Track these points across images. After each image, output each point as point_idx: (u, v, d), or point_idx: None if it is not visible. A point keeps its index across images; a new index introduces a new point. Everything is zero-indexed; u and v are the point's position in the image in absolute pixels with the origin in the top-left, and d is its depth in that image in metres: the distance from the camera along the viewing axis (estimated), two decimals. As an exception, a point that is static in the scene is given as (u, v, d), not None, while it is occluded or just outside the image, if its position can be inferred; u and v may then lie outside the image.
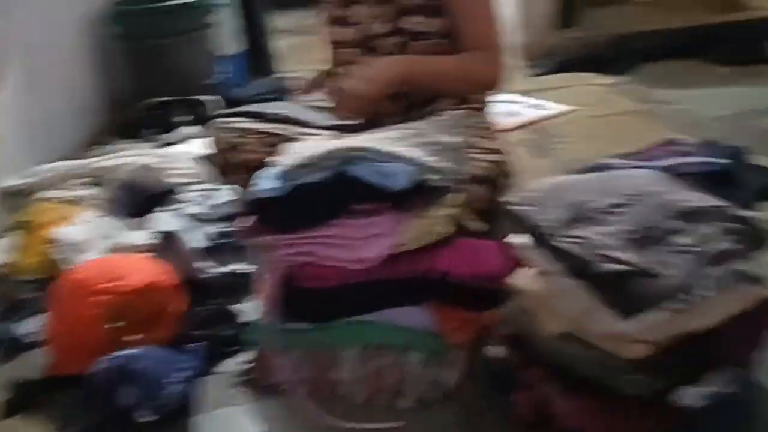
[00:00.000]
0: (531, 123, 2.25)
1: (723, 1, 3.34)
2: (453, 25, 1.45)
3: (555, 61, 2.84)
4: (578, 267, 0.86)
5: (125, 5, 2.59)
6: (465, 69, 1.43)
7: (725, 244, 0.89)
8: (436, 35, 1.46)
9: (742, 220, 0.93)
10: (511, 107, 2.41)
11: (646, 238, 0.89)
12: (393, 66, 1.40)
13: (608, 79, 2.60)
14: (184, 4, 2.51)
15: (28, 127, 1.94)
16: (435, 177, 1.05)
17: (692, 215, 0.92)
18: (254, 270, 1.32)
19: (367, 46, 1.48)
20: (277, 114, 1.50)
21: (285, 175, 1.07)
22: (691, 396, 0.89)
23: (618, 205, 0.94)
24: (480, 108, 1.60)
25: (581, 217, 0.93)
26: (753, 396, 0.96)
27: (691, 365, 0.88)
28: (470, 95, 1.51)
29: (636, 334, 0.84)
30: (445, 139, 1.14)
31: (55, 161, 2.02)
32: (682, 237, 0.89)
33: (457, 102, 1.54)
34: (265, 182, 1.09)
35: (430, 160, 1.06)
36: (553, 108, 2.36)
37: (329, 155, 1.06)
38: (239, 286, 1.38)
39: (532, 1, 2.91)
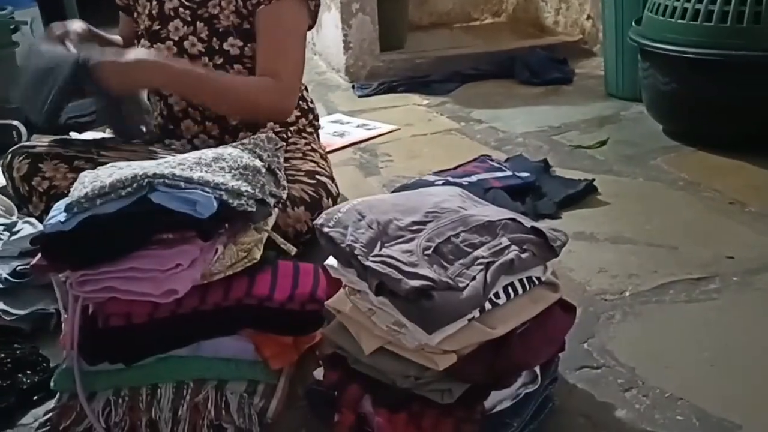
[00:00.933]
0: (358, 142, 2.31)
1: (530, 27, 3.66)
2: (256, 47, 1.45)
3: (378, 82, 2.94)
4: (383, 285, 0.89)
5: None
6: (245, 93, 1.40)
7: (518, 254, 0.96)
8: (251, 60, 1.46)
9: (534, 230, 1.01)
10: (338, 127, 2.47)
11: (445, 253, 0.94)
12: (155, 65, 1.33)
13: (429, 100, 2.74)
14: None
15: None
16: (241, 202, 1.03)
17: (487, 228, 0.98)
18: (57, 310, 1.23)
19: None
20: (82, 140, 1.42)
21: (77, 206, 0.99)
22: (496, 398, 0.95)
23: (419, 223, 0.98)
24: (302, 130, 1.61)
25: (386, 235, 0.96)
26: (552, 391, 1.05)
27: (495, 369, 0.93)
28: (252, 120, 1.51)
29: (441, 345, 0.88)
30: (253, 162, 1.12)
31: None
32: (479, 250, 0.95)
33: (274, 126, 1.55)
34: (59, 214, 1.02)
35: (237, 184, 1.04)
36: (378, 127, 2.44)
37: (128, 181, 1.00)
38: (47, 327, 1.27)
39: (357, 24, 3.00)
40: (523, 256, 0.96)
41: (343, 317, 1.01)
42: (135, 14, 1.55)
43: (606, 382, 1.11)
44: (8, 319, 1.24)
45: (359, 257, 0.92)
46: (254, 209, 1.06)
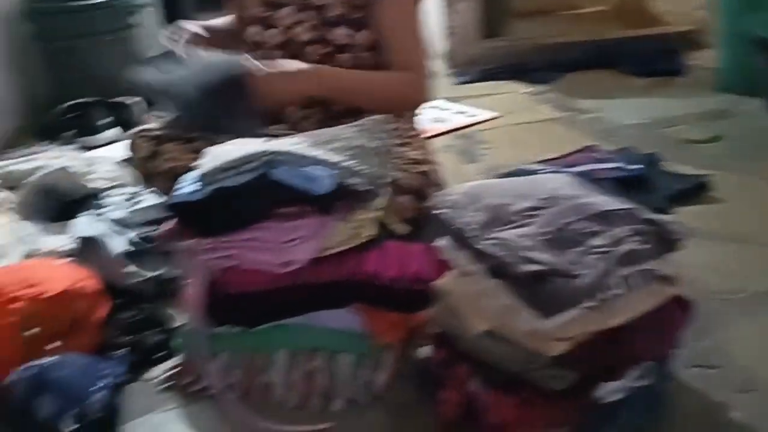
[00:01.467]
0: (457, 129, 2.31)
1: (639, 16, 3.52)
2: (379, 42, 1.47)
3: (480, 69, 2.92)
4: (498, 268, 0.90)
5: (40, 3, 2.50)
6: (389, 90, 1.44)
7: (636, 245, 0.94)
8: (360, 48, 1.47)
9: (652, 222, 0.98)
10: (437, 113, 2.47)
11: (560, 240, 0.93)
12: (313, 74, 1.39)
13: (531, 88, 2.70)
14: (101, 3, 2.44)
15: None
16: (357, 180, 1.06)
17: (604, 218, 0.97)
18: (179, 275, 1.30)
19: (291, 50, 1.48)
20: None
21: (205, 179, 1.06)
22: (607, 389, 0.94)
23: (534, 208, 0.98)
24: (409, 117, 1.62)
25: (500, 219, 0.97)
26: (665, 388, 1.03)
27: (607, 360, 0.92)
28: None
29: (554, 331, 0.88)
30: (366, 143, 1.15)
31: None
32: (595, 238, 0.94)
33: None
34: (186, 186, 1.08)
35: (352, 163, 1.07)
36: (478, 115, 2.42)
37: (250, 158, 1.05)
38: (164, 292, 1.35)
39: (458, 11, 2.98)
40: (641, 247, 0.95)
41: (452, 298, 1.03)
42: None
43: (721, 382, 1.07)
44: (134, 281, 1.32)
45: (473, 239, 0.93)
46: (368, 188, 1.08)
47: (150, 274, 1.34)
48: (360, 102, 1.44)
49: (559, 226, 0.93)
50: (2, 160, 1.93)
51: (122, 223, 1.43)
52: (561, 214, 0.96)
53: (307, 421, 1.04)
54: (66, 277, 1.16)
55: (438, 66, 3.08)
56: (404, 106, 1.49)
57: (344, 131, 1.21)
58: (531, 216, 0.96)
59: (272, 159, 1.04)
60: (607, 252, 0.91)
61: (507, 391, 0.93)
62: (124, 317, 1.24)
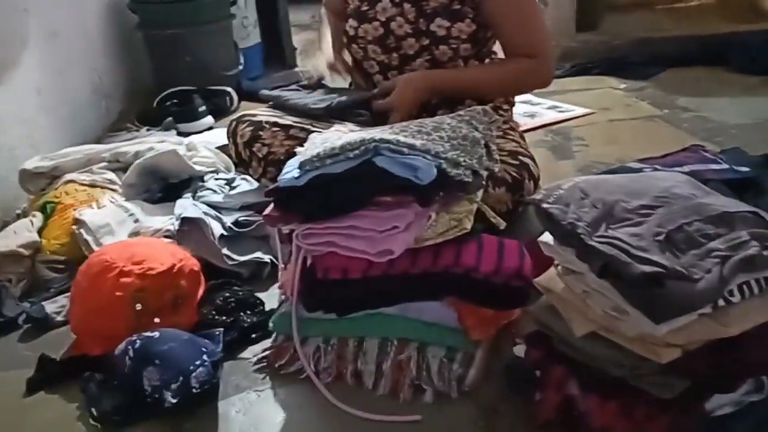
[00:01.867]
0: (549, 125, 2.25)
1: (744, 10, 3.33)
2: (477, 33, 1.45)
3: (574, 63, 2.84)
4: (609, 267, 0.86)
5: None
6: (512, 78, 1.47)
7: (756, 251, 0.88)
8: (459, 40, 1.46)
9: (773, 226, 0.92)
10: (528, 108, 2.42)
11: (677, 241, 0.89)
12: (429, 81, 1.43)
13: (628, 84, 2.60)
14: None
15: (55, 110, 1.94)
16: (459, 172, 1.05)
17: (723, 220, 0.91)
18: (276, 258, 1.33)
19: (388, 44, 1.48)
20: (297, 104, 1.50)
21: (309, 165, 1.07)
22: (717, 401, 0.89)
23: (648, 207, 0.93)
24: (498, 107, 1.59)
25: (611, 217, 0.92)
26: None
27: (719, 371, 0.87)
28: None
29: (666, 337, 0.83)
30: (469, 133, 1.13)
31: (79, 145, 2.05)
32: (713, 241, 0.89)
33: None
34: (290, 172, 1.10)
35: (455, 154, 1.06)
36: (571, 110, 2.36)
37: (354, 145, 1.05)
38: (261, 274, 1.38)
39: (554, 3, 2.90)
40: (762, 254, 0.88)
41: (553, 297, 1.00)
42: None
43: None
44: (230, 264, 1.35)
45: (582, 236, 0.89)
46: (470, 180, 1.07)
47: (246, 258, 1.37)
48: (483, 94, 1.47)
49: (675, 227, 0.88)
50: (110, 142, 2.03)
51: (219, 207, 1.47)
52: (677, 213, 0.90)
53: (396, 412, 1.03)
54: (170, 255, 1.20)
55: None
56: (530, 90, 1.53)
57: (450, 120, 1.20)
58: (645, 214, 0.91)
59: (376, 146, 1.04)
60: (726, 256, 0.86)
61: (609, 395, 0.90)
62: (221, 298, 1.27)
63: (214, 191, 1.53)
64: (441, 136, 1.11)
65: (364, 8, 1.50)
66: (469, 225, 1.09)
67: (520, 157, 1.42)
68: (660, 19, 3.46)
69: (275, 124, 1.49)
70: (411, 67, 1.48)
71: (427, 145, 1.06)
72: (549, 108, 2.41)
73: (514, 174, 1.37)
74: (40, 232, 1.40)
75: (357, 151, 1.05)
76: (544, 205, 0.97)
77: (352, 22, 1.53)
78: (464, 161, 1.06)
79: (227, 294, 1.27)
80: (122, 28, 2.59)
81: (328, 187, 1.05)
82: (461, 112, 1.24)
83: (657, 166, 1.63)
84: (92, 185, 1.51)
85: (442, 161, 1.05)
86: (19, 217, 1.55)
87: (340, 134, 1.12)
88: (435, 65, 1.48)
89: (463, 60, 1.48)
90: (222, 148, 1.74)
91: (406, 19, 1.46)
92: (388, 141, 1.05)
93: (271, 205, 1.10)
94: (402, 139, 1.06)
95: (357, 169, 1.04)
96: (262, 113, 1.55)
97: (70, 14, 2.13)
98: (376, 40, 1.49)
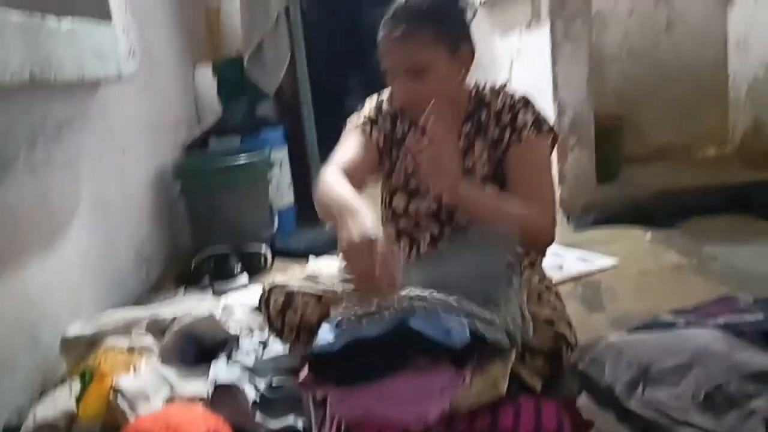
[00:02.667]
0: (578, 277, 2.27)
1: (762, 158, 3.43)
2: (508, 186, 1.49)
3: (597, 215, 2.90)
4: (650, 430, 0.84)
5: (187, 163, 2.79)
6: (525, 214, 1.41)
7: (801, 410, 0.86)
8: None
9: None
10: (556, 260, 2.45)
11: (716, 402, 0.88)
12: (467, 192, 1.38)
13: (653, 234, 2.64)
14: (243, 164, 2.69)
15: (99, 277, 2.03)
16: (493, 333, 1.06)
17: (763, 377, 0.90)
18: (310, 424, 1.31)
19: (441, 218, 1.52)
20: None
21: (345, 325, 1.09)
22: None
23: (684, 366, 0.94)
24: (533, 262, 1.60)
25: (648, 377, 0.92)
26: None
27: None
28: (526, 248, 1.49)
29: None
30: (503, 292, 1.16)
31: (120, 308, 2.11)
32: (755, 400, 0.87)
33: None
34: (324, 335, 1.12)
35: (489, 314, 1.07)
36: (599, 261, 2.38)
37: (389, 306, 1.08)
38: (293, 440, 1.36)
39: (573, 158, 3.03)
40: (808, 412, 0.86)
41: (596, 461, 0.97)
42: (388, 164, 1.59)
43: None
44: (263, 431, 1.34)
45: (620, 398, 0.89)
46: (505, 340, 1.08)
47: (281, 423, 1.36)
48: (498, 220, 1.41)
49: (714, 386, 0.88)
50: (147, 305, 2.09)
51: (253, 371, 1.48)
52: (715, 372, 0.90)
53: None
54: (202, 423, 1.20)
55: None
56: (538, 235, 1.46)
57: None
58: (682, 374, 0.91)
59: (411, 306, 1.06)
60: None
61: None
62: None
63: (249, 353, 1.55)
64: (475, 289, 1.13)
65: (414, 185, 1.52)
66: (504, 387, 1.09)
67: (557, 326, 1.35)
68: (678, 170, 3.57)
69: (306, 293, 1.50)
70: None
71: (461, 301, 1.08)
72: (576, 259, 2.44)
73: (551, 344, 1.30)
74: (78, 399, 1.41)
75: (392, 312, 1.07)
76: (581, 366, 0.97)
77: (399, 198, 1.55)
78: (498, 321, 1.08)
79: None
80: (165, 195, 2.75)
81: (364, 350, 1.06)
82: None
83: (690, 319, 1.62)
84: (131, 350, 1.54)
85: (476, 321, 1.06)
86: (57, 385, 1.57)
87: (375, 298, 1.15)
88: None
89: None
90: (256, 308, 1.78)
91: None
92: (423, 298, 1.07)
93: (305, 370, 1.11)
94: (436, 295, 1.08)
95: (391, 331, 1.06)
96: (293, 282, 1.56)
97: (118, 186, 2.29)
98: (430, 215, 1.52)
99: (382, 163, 1.60)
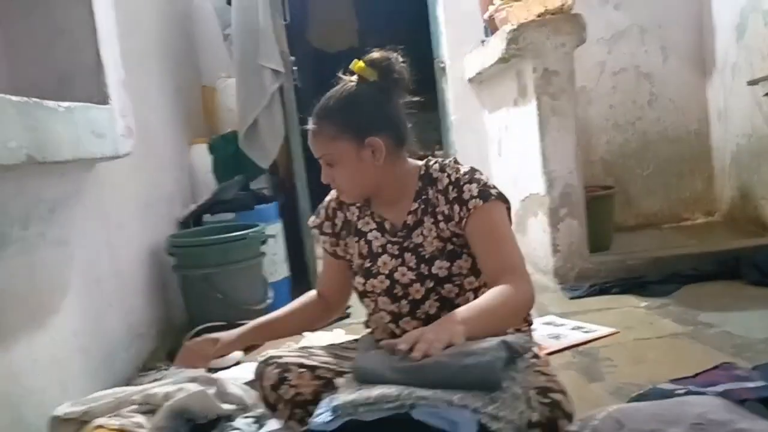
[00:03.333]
0: (574, 346, 2.25)
1: (750, 224, 3.48)
2: (477, 260, 1.49)
3: (592, 284, 2.91)
4: (656, 503, 0.82)
5: (181, 239, 2.80)
6: (508, 300, 1.39)
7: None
8: (461, 276, 1.50)
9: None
10: (552, 329, 2.44)
11: (722, 471, 0.86)
12: (456, 332, 1.28)
13: (648, 302, 2.64)
14: (237, 236, 2.70)
15: (88, 352, 2.00)
16: (500, 426, 1.00)
17: (767, 445, 0.89)
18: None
19: (395, 294, 1.53)
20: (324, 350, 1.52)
21: (342, 410, 1.05)
22: None
23: (686, 435, 0.92)
24: (518, 330, 1.58)
25: (650, 447, 0.91)
26: None
27: None
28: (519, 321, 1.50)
29: None
30: (509, 384, 1.10)
31: (111, 386, 2.06)
32: (761, 469, 0.86)
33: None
34: (322, 414, 1.09)
35: (494, 407, 1.02)
36: (595, 330, 2.37)
37: (391, 398, 1.04)
38: None
39: (564, 228, 3.06)
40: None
41: None
42: (347, 257, 1.66)
43: None
44: None
45: (623, 470, 0.87)
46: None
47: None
48: (497, 328, 1.37)
49: (716, 456, 0.87)
50: (140, 382, 2.05)
51: (248, 447, 1.44)
52: (717, 442, 0.89)
53: None
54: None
55: (547, 282, 3.11)
56: (526, 307, 1.45)
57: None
58: (683, 444, 0.89)
59: (413, 403, 1.02)
60: (776, 486, 0.83)
61: None
62: None
63: (245, 430, 1.52)
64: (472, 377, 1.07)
65: (367, 265, 1.57)
66: None
67: (551, 394, 1.30)
68: (669, 237, 3.62)
69: (302, 365, 1.49)
70: (422, 310, 1.51)
71: (465, 399, 1.03)
72: (573, 329, 2.43)
73: (548, 414, 1.25)
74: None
75: (392, 405, 1.03)
76: (580, 437, 0.96)
77: (359, 279, 1.59)
78: (504, 416, 1.02)
79: None
80: (159, 271, 2.74)
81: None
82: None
83: (690, 388, 1.61)
84: (122, 430, 1.50)
85: (481, 416, 1.01)
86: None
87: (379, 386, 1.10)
88: (444, 303, 1.50)
89: (472, 293, 1.50)
90: (251, 384, 1.75)
91: (408, 267, 1.52)
92: (426, 398, 1.03)
93: None
94: (440, 394, 1.04)
95: (394, 418, 1.01)
96: (289, 354, 1.55)
97: (111, 262, 2.28)
98: (384, 291, 1.54)
99: (345, 258, 1.68)
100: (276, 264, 3.11)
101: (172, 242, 2.73)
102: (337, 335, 2.42)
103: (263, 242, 2.83)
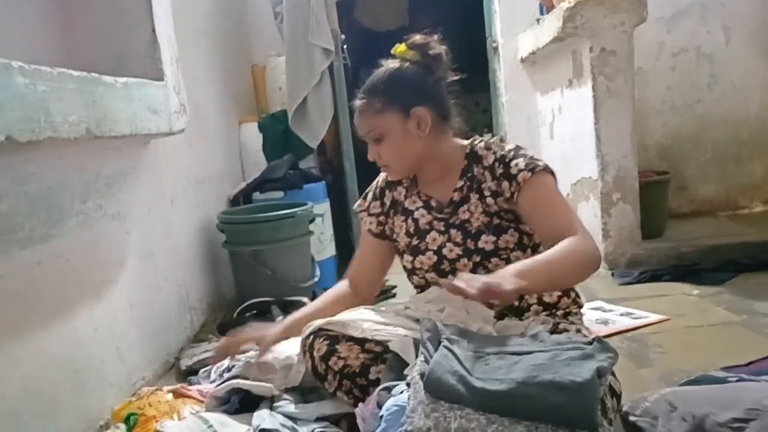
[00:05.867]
0: (624, 331, 2.21)
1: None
2: (534, 230, 1.49)
3: (643, 270, 2.85)
4: (707, 487, 0.81)
5: (232, 216, 2.85)
6: (573, 252, 1.36)
7: None
8: (508, 250, 1.50)
9: None
10: (600, 314, 2.41)
11: (778, 458, 0.84)
12: (508, 282, 1.26)
13: (700, 290, 2.57)
14: (284, 215, 2.73)
15: (143, 323, 2.06)
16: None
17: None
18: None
19: (443, 269, 1.55)
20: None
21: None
22: None
23: (740, 420, 0.90)
24: (568, 312, 1.57)
25: (702, 431, 0.89)
26: None
27: None
28: (583, 280, 1.45)
29: None
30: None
31: (162, 357, 2.13)
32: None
33: (551, 308, 1.54)
34: (388, 430, 1.07)
35: None
36: (646, 317, 2.32)
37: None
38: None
39: (617, 213, 3.00)
40: None
41: None
42: (394, 236, 1.69)
43: None
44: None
45: (674, 452, 0.86)
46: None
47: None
48: (559, 282, 1.39)
49: (772, 442, 0.84)
50: (188, 354, 2.11)
51: (296, 418, 1.47)
52: (773, 428, 0.87)
53: None
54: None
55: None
56: (592, 264, 1.39)
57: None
58: (738, 428, 0.87)
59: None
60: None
61: None
62: None
63: (291, 401, 1.54)
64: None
65: (415, 242, 1.60)
66: None
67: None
68: (725, 225, 3.50)
69: (351, 338, 1.51)
70: None
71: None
72: (622, 315, 2.39)
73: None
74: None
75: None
76: (632, 418, 0.95)
77: (407, 257, 1.62)
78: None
79: None
80: (209, 246, 2.81)
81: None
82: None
83: (742, 375, 1.56)
84: (175, 395, 1.55)
85: None
86: (102, 429, 1.59)
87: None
88: None
89: None
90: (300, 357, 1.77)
91: (455, 243, 1.54)
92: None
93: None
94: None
95: None
96: (336, 325, 1.57)
97: (165, 236, 2.35)
98: (432, 267, 1.57)
99: (391, 238, 1.70)
100: (323, 243, 3.14)
101: (222, 219, 2.79)
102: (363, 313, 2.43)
103: (311, 221, 2.85)
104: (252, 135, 3.48)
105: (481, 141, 1.60)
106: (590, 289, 2.75)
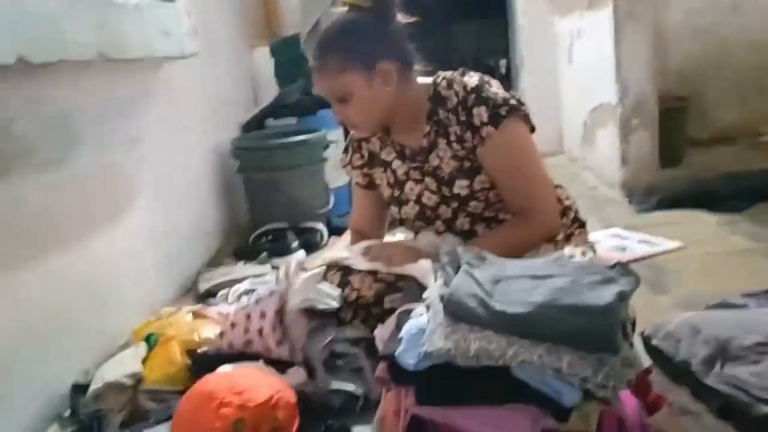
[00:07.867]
0: (641, 258, 2.21)
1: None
2: (496, 185, 1.47)
3: (660, 197, 2.82)
4: (730, 407, 0.81)
5: (246, 142, 2.82)
6: (525, 238, 1.42)
7: None
8: (484, 191, 1.49)
9: None
10: (618, 241, 2.40)
11: (801, 380, 0.84)
12: None
13: (719, 217, 2.55)
14: (299, 142, 2.70)
15: (160, 247, 2.08)
16: (604, 394, 0.92)
17: None
18: (369, 393, 1.32)
19: (428, 217, 1.55)
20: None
21: (436, 358, 1.00)
22: None
23: (765, 344, 0.90)
24: (570, 234, 1.56)
25: (726, 354, 0.89)
26: None
27: None
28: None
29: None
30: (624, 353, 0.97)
31: (180, 280, 2.16)
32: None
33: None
34: (406, 347, 1.05)
35: (601, 377, 0.92)
36: (662, 244, 2.32)
37: (493, 357, 0.97)
38: (354, 408, 1.36)
39: (636, 140, 2.95)
40: None
41: (668, 439, 0.94)
42: (378, 188, 1.66)
43: None
44: (320, 394, 1.35)
45: (697, 374, 0.86)
46: (609, 394, 0.93)
47: (342, 388, 1.36)
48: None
49: (798, 365, 0.84)
50: (204, 277, 2.14)
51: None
52: (799, 350, 0.86)
53: None
54: (268, 386, 1.22)
55: (613, 194, 3.04)
56: (539, 242, 1.45)
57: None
58: (763, 352, 0.87)
59: (515, 356, 0.97)
60: None
61: None
62: (314, 429, 1.25)
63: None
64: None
65: (396, 194, 1.59)
66: (594, 424, 0.96)
67: None
68: (744, 153, 3.43)
69: (359, 268, 1.52)
70: (456, 227, 1.52)
71: (574, 366, 0.94)
72: (639, 242, 2.38)
73: None
74: (143, 362, 1.46)
75: (494, 362, 0.97)
76: (654, 342, 0.95)
77: (393, 208, 1.62)
78: (613, 384, 0.93)
79: (323, 427, 1.26)
80: (224, 172, 2.80)
81: (454, 376, 0.99)
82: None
83: (763, 302, 1.56)
84: (195, 316, 1.58)
85: (590, 386, 0.93)
86: (122, 348, 1.62)
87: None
88: (475, 218, 1.50)
89: (500, 203, 1.49)
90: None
91: (431, 191, 1.52)
92: (531, 362, 0.96)
93: (383, 366, 1.08)
94: (547, 359, 0.95)
95: (494, 375, 0.97)
96: (346, 257, 1.56)
97: (179, 162, 2.34)
98: (417, 216, 1.56)
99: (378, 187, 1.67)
100: (337, 170, 3.11)
101: (237, 145, 2.76)
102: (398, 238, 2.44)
103: (326, 147, 2.83)
104: (264, 60, 3.41)
105: (443, 79, 1.49)
106: (607, 216, 2.73)
